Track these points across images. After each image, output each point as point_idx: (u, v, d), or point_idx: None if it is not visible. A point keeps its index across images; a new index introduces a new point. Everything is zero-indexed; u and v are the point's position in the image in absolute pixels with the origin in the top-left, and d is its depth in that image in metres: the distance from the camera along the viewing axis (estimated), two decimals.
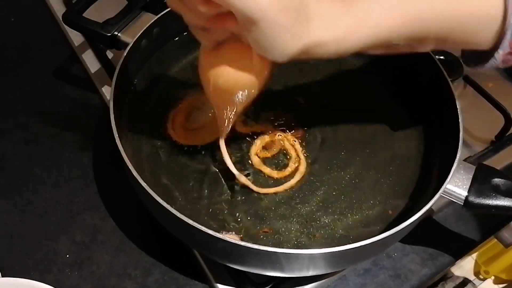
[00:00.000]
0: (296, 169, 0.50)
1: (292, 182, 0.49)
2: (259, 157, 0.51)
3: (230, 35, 0.37)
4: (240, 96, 0.40)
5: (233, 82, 0.39)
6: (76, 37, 0.70)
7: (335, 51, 0.35)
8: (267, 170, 0.50)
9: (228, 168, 0.46)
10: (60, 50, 0.71)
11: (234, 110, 0.42)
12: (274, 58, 0.34)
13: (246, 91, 0.40)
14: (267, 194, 0.48)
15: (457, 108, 0.48)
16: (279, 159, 0.51)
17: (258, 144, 0.52)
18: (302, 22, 0.32)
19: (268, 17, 0.30)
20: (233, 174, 0.46)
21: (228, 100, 0.41)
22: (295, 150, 0.51)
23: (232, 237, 0.44)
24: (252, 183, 0.48)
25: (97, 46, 0.68)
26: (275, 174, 0.50)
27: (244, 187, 0.48)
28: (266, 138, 0.52)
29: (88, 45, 0.69)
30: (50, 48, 0.71)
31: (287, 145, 0.52)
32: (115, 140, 0.44)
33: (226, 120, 0.43)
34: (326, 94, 0.57)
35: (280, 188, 0.49)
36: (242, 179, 0.47)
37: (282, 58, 0.34)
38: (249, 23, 0.31)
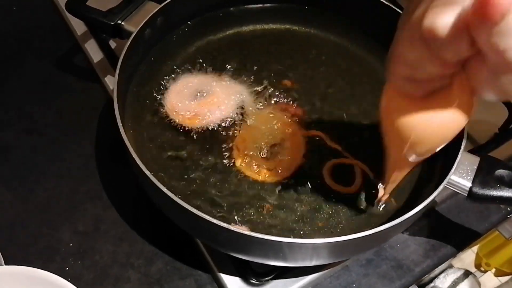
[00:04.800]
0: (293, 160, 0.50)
1: (287, 172, 0.49)
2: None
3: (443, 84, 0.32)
4: (437, 149, 0.36)
5: (436, 137, 0.34)
6: (78, 27, 0.70)
7: None
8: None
9: (233, 162, 0.48)
10: (62, 40, 0.71)
11: (414, 163, 0.38)
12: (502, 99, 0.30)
13: (445, 143, 0.35)
14: (268, 183, 0.48)
15: None
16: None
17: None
18: None
19: None
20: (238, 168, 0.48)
21: (420, 154, 0.36)
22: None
23: (237, 227, 0.44)
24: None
25: (100, 36, 0.68)
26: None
27: (248, 178, 0.48)
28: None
29: (90, 35, 0.69)
30: (53, 38, 0.71)
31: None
32: (119, 130, 0.43)
33: (403, 172, 0.40)
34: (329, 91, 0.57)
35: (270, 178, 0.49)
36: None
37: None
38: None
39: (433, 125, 0.33)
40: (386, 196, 0.46)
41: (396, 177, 0.41)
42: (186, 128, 0.51)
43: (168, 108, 0.53)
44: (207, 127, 0.52)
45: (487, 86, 0.30)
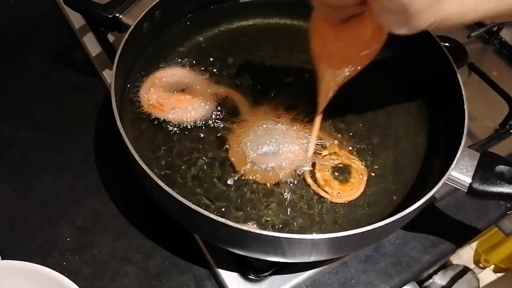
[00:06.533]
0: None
1: (287, 170, 0.49)
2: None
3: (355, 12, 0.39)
4: (348, 69, 0.43)
5: (348, 54, 0.42)
6: (77, 20, 0.69)
7: (457, 22, 0.36)
8: None
9: (231, 160, 0.48)
10: (61, 34, 0.71)
11: (339, 81, 0.44)
12: (402, 32, 0.36)
13: (357, 65, 0.43)
14: (268, 181, 0.48)
15: (462, 95, 0.48)
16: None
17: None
18: (440, 1, 0.33)
19: (419, 2, 0.32)
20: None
21: (336, 71, 0.44)
22: None
23: (236, 223, 0.44)
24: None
25: (98, 30, 0.68)
26: None
27: (246, 176, 0.48)
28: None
29: (89, 28, 0.68)
30: (51, 33, 0.71)
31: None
32: (117, 124, 0.43)
33: (330, 90, 0.46)
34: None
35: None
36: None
37: (409, 32, 0.35)
38: (394, 4, 0.33)
39: (351, 44, 0.41)
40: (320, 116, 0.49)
41: (327, 92, 0.46)
42: (186, 126, 0.51)
43: (143, 88, 0.53)
44: (205, 123, 0.51)
45: (379, 19, 0.36)
